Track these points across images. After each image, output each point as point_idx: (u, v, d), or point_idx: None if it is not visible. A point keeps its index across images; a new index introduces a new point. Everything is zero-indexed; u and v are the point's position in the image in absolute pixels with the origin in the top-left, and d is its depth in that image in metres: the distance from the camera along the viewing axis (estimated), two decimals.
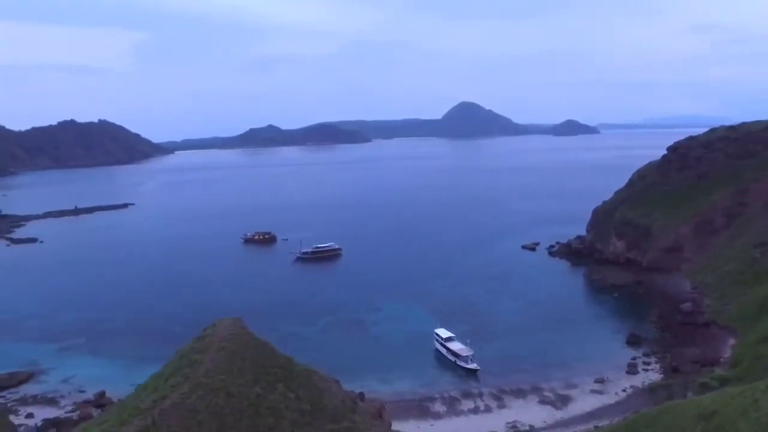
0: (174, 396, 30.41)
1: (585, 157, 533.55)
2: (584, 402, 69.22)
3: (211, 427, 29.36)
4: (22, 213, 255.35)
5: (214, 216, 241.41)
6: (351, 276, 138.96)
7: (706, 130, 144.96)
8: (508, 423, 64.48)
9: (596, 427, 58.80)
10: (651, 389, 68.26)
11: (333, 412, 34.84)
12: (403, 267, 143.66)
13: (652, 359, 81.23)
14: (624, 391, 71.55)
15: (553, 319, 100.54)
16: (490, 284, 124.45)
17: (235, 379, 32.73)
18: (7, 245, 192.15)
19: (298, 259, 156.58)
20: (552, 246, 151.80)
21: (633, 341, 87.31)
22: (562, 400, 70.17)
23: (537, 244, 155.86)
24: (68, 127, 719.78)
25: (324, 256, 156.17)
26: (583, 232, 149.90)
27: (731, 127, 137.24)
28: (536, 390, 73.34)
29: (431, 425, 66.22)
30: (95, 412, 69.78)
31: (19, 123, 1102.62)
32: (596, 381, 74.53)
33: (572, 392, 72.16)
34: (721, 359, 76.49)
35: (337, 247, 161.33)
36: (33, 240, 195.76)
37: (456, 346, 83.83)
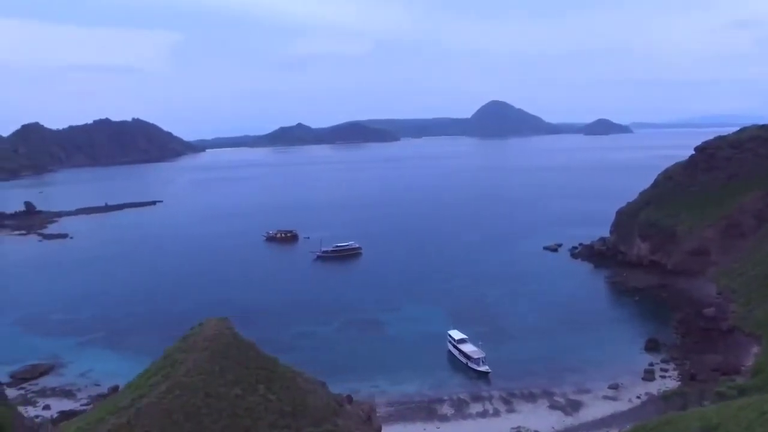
0: (152, 395, 30.55)
1: (615, 156, 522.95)
2: (595, 408, 67.48)
3: (186, 428, 29.33)
4: (55, 209, 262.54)
5: (239, 214, 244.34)
6: (370, 275, 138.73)
7: None
8: (513, 428, 63.23)
9: None
10: (664, 397, 66.13)
11: (315, 414, 34.52)
12: (423, 267, 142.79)
13: (671, 366, 78.71)
14: (638, 398, 69.51)
15: (570, 322, 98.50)
16: (508, 285, 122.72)
17: (215, 380, 32.71)
18: (39, 241, 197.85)
19: (319, 257, 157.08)
20: (575, 247, 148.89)
21: (651, 346, 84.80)
22: (573, 406, 68.56)
23: (559, 245, 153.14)
24: (103, 125, 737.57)
25: (344, 255, 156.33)
26: (608, 233, 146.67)
27: (763, 126, 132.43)
28: (547, 394, 71.83)
29: (437, 428, 65.41)
30: None
31: (58, 122, 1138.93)
32: (610, 387, 72.65)
33: (584, 398, 70.45)
34: (743, 368, 73.77)
35: (357, 246, 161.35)
36: (63, 236, 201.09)
37: (468, 348, 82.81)
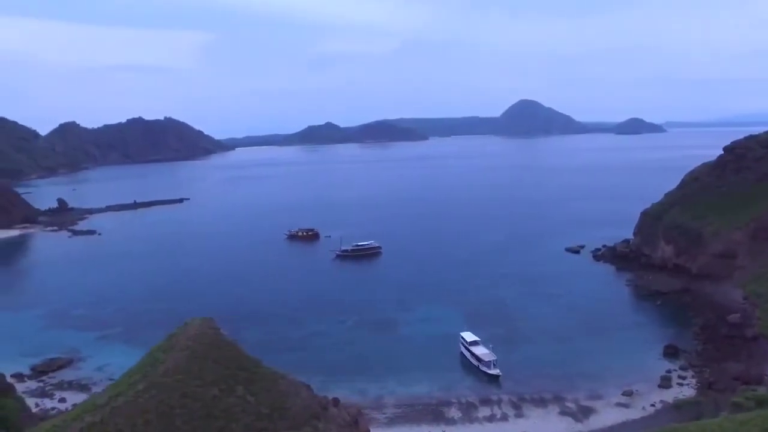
0: (128, 394, 30.64)
1: (647, 156, 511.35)
2: (607, 415, 65.76)
3: (159, 427, 29.34)
4: (86, 206, 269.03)
5: (263, 211, 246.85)
6: (388, 275, 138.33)
7: None
8: None
9: None
10: (676, 406, 64.02)
11: (294, 417, 34.20)
12: (442, 267, 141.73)
13: (689, 373, 76.24)
14: (652, 405, 67.45)
15: (588, 325, 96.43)
16: (527, 287, 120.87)
17: (193, 380, 32.67)
18: (69, 237, 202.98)
19: (338, 256, 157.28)
20: (597, 249, 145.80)
21: (670, 353, 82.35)
22: (584, 412, 66.93)
23: (582, 246, 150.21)
24: (137, 124, 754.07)
25: (363, 255, 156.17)
26: (632, 235, 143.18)
27: None
28: (558, 400, 70.29)
29: (443, 431, 64.61)
30: None
31: (93, 121, 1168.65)
32: (624, 393, 70.70)
33: (596, 404, 68.71)
34: (766, 377, 71.01)
35: (377, 245, 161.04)
36: (92, 232, 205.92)
37: (479, 350, 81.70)
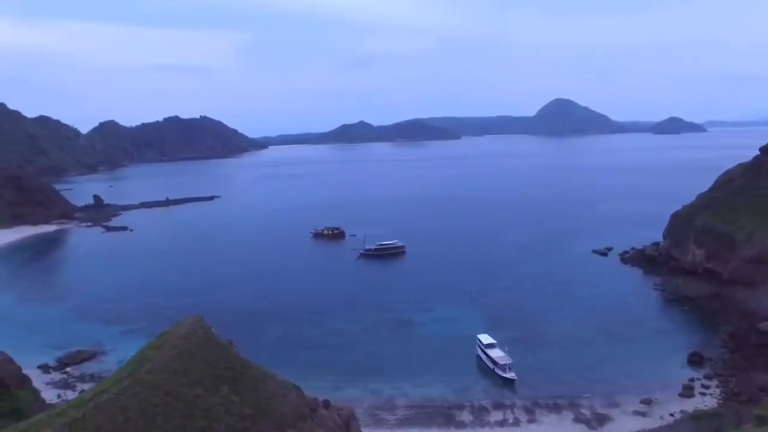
0: (112, 391, 30.93)
1: (684, 156, 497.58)
2: (622, 424, 63.81)
3: (139, 425, 29.52)
4: (121, 203, 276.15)
5: (292, 209, 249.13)
6: (410, 275, 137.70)
7: None
8: None
9: None
10: (695, 417, 61.65)
11: (279, 418, 34.02)
12: (465, 267, 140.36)
13: (713, 382, 73.41)
14: (671, 415, 65.16)
15: (610, 330, 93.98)
16: (550, 289, 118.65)
17: (177, 379, 32.79)
18: (102, 233, 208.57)
19: (362, 255, 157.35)
20: (625, 252, 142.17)
21: (695, 361, 79.53)
22: (599, 420, 65.15)
23: (610, 248, 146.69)
24: (173, 123, 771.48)
25: (387, 254, 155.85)
26: (662, 237, 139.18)
27: None
28: (573, 406, 68.60)
29: None
30: None
31: (131, 120, 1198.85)
32: (642, 402, 68.53)
33: (612, 412, 66.79)
34: None
35: (400, 245, 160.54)
36: (124, 228, 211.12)
37: (495, 353, 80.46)
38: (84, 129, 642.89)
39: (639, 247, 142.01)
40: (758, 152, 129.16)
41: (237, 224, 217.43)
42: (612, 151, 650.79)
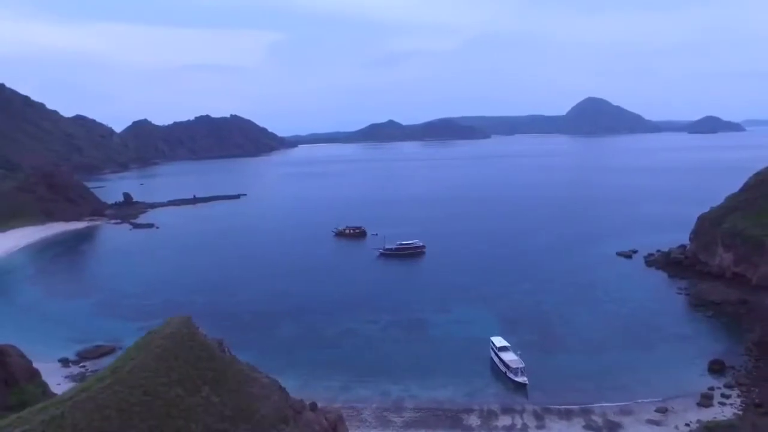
0: (92, 389, 31.12)
1: (720, 157, 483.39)
2: None
3: (115, 424, 29.59)
4: (149, 201, 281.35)
5: (316, 208, 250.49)
6: (429, 275, 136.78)
7: None
8: None
9: None
10: (708, 428, 59.29)
11: (260, 420, 33.71)
12: (485, 269, 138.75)
13: (734, 392, 70.71)
14: (687, 425, 62.91)
15: (629, 335, 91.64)
16: (571, 292, 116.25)
17: (158, 378, 32.80)
18: (130, 230, 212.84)
19: (381, 255, 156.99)
20: (651, 254, 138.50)
21: (716, 369, 76.84)
22: (610, 427, 63.36)
23: (635, 251, 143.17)
24: (204, 121, 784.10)
25: (407, 254, 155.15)
26: (689, 240, 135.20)
27: None
28: (585, 413, 66.92)
29: None
30: None
31: (164, 118, 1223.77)
32: (657, 410, 66.46)
33: (624, 419, 64.89)
34: None
35: (421, 244, 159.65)
36: (150, 225, 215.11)
37: (508, 356, 79.09)
38: (119, 128, 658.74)
39: (665, 249, 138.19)
40: None
41: (261, 222, 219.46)
42: (644, 151, 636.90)
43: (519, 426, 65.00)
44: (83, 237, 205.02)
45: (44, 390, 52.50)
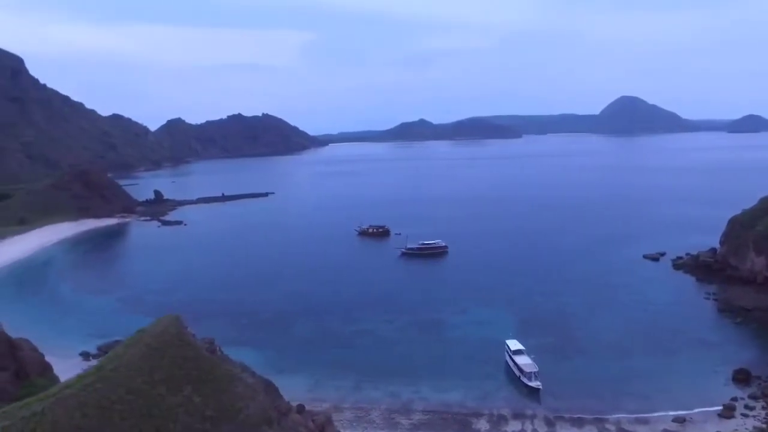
0: (75, 386, 31.28)
1: (759, 157, 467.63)
2: None
3: (95, 421, 29.64)
4: (179, 198, 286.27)
5: (342, 206, 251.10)
6: (450, 275, 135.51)
7: None
8: None
9: None
10: None
11: (243, 421, 33.38)
12: (508, 270, 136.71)
13: (759, 404, 67.59)
14: None
15: (652, 341, 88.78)
16: (594, 295, 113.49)
17: (142, 377, 32.77)
18: (158, 227, 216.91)
19: (403, 254, 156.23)
20: (679, 257, 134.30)
21: (741, 378, 73.74)
22: None
23: (662, 253, 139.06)
24: (236, 120, 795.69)
25: (429, 254, 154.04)
26: (719, 243, 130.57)
27: None
28: (599, 421, 64.89)
29: None
30: None
31: (197, 117, 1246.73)
32: (675, 420, 64.07)
33: (640, 429, 62.66)
34: None
35: (443, 244, 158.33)
36: (179, 223, 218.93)
37: (522, 360, 77.47)
38: (153, 126, 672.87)
39: (694, 252, 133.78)
40: None
41: (287, 220, 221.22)
42: (679, 150, 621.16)
43: None
44: (113, 233, 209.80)
45: (56, 383, 53.32)
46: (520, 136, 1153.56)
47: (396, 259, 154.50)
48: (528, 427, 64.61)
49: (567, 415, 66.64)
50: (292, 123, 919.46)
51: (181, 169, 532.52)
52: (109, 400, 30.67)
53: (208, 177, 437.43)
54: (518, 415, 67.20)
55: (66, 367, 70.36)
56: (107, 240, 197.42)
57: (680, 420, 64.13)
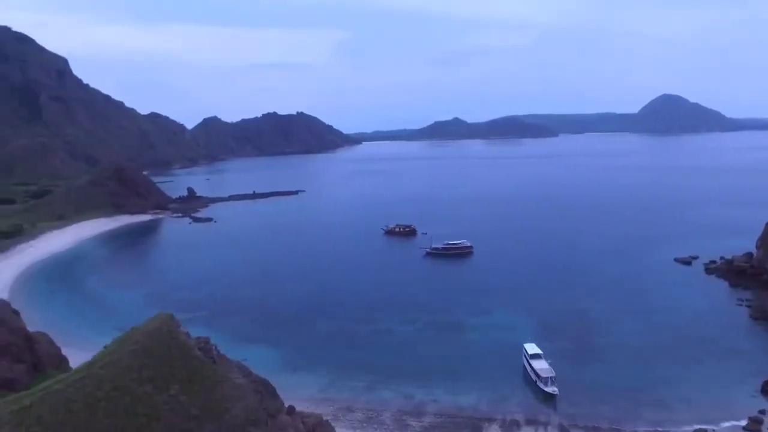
0: (64, 382, 31.67)
1: None
2: None
3: (78, 418, 29.91)
4: (211, 195, 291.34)
5: (371, 205, 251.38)
6: (474, 276, 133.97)
7: None
8: None
9: None
10: None
11: (229, 421, 33.26)
12: (534, 271, 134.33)
13: None
14: None
15: (678, 348, 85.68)
16: (621, 299, 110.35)
17: (129, 375, 32.96)
18: (189, 223, 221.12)
19: (428, 254, 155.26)
20: (712, 261, 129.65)
21: None
22: None
23: (695, 257, 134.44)
24: (271, 118, 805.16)
25: (454, 254, 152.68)
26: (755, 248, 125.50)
27: None
28: (614, 431, 63.05)
29: None
30: None
31: (232, 116, 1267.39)
32: None
33: None
34: None
35: (468, 245, 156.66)
36: (209, 219, 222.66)
37: (539, 364, 75.79)
38: (190, 125, 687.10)
39: (728, 257, 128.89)
40: None
41: (315, 218, 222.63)
42: (724, 150, 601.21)
43: None
44: (146, 229, 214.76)
45: None
46: (556, 135, 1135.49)
47: (420, 259, 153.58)
48: None
49: (582, 423, 64.82)
50: (327, 121, 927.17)
51: (215, 167, 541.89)
52: (95, 396, 31.06)
53: (241, 175, 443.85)
54: (531, 421, 65.73)
55: (84, 360, 72.34)
56: (139, 236, 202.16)
57: None
